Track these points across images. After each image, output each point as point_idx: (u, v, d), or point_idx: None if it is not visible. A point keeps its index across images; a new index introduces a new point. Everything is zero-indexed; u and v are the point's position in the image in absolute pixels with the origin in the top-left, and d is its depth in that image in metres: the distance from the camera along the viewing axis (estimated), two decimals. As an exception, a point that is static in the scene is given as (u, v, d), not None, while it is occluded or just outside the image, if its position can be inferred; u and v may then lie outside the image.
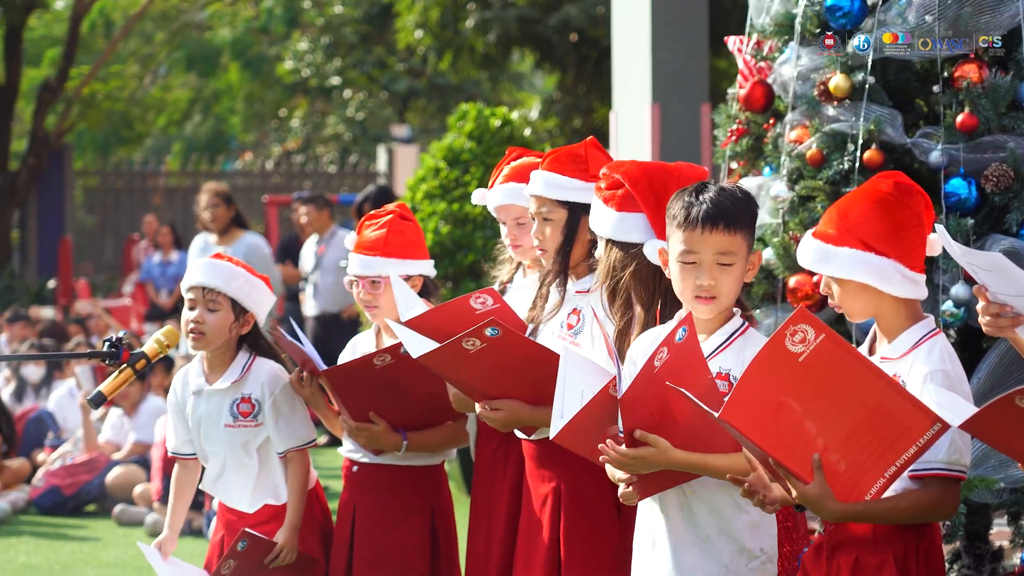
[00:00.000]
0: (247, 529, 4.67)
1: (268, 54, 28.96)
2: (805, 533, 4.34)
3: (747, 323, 3.69)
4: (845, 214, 3.48)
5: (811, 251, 3.50)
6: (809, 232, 3.56)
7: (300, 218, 12.50)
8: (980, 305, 3.33)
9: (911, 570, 3.38)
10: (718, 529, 3.63)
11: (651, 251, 3.84)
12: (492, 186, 4.66)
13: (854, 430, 3.17)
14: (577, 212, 4.24)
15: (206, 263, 4.80)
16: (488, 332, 3.94)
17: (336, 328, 11.29)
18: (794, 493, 3.23)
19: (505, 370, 4.05)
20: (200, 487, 4.94)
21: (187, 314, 4.73)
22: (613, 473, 3.65)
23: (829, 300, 3.54)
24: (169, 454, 4.98)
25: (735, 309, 3.70)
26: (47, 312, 16.20)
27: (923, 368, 3.36)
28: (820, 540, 3.52)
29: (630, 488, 3.60)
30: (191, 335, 4.70)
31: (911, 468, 3.25)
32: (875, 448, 3.18)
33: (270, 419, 4.74)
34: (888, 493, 3.27)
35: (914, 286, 3.45)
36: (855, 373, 3.15)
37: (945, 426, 3.12)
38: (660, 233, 3.83)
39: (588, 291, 4.22)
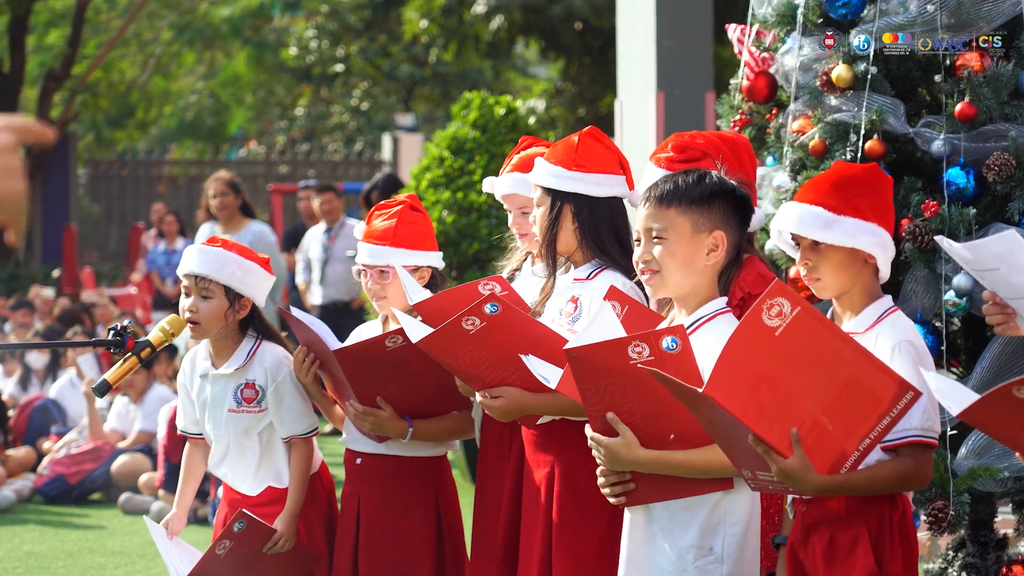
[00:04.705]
0: (244, 511, 4.68)
1: (268, 37, 28.94)
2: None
3: (726, 309, 3.63)
4: (840, 185, 3.51)
5: (812, 216, 3.49)
6: (793, 202, 3.55)
7: (316, 206, 12.41)
8: (985, 305, 3.37)
9: (885, 543, 3.40)
10: (672, 523, 3.60)
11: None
12: (501, 175, 4.69)
13: (830, 403, 3.17)
14: (557, 200, 4.24)
15: (197, 250, 4.79)
16: (487, 309, 3.92)
17: (346, 316, 11.30)
18: (774, 468, 3.22)
19: (505, 354, 4.02)
20: (207, 469, 4.97)
21: (183, 302, 4.75)
22: (599, 479, 3.66)
23: (804, 272, 3.53)
24: (178, 432, 5.02)
25: (722, 297, 3.65)
26: (48, 292, 16.20)
27: (889, 340, 3.41)
28: (794, 525, 3.54)
29: (622, 496, 3.62)
30: (188, 324, 4.71)
31: (885, 439, 3.26)
32: (849, 420, 3.19)
33: (273, 406, 4.76)
34: (862, 465, 3.28)
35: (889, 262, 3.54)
36: (830, 345, 3.15)
37: (918, 393, 3.13)
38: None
39: (588, 278, 4.22)
